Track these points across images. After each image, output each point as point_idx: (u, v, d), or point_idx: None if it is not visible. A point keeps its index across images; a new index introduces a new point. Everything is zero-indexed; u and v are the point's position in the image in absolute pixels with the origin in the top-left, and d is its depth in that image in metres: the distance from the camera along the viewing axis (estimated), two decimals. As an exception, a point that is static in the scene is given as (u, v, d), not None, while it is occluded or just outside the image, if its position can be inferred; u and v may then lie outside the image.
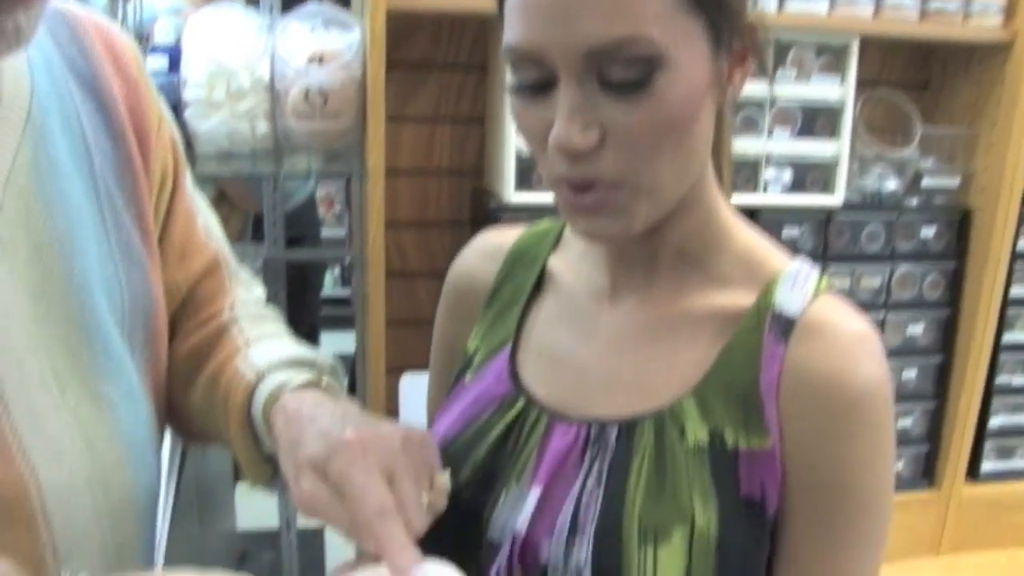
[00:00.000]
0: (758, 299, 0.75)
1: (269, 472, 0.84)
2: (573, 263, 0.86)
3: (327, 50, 1.59)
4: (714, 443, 0.73)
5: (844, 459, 0.70)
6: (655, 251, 0.78)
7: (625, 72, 0.66)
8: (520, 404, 0.81)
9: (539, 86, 0.69)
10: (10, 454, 0.65)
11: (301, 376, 0.81)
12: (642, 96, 0.66)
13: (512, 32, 0.68)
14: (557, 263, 0.87)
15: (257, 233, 2.31)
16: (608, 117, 0.67)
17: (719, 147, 0.81)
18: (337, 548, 3.13)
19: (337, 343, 2.77)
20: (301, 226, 2.51)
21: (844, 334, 0.71)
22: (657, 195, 0.70)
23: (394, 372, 1.75)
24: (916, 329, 1.95)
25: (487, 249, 0.91)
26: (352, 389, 2.12)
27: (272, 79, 1.59)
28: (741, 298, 0.76)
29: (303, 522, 2.32)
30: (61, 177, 0.73)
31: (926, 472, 2.03)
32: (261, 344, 0.86)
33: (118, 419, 0.74)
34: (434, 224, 1.89)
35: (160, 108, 0.85)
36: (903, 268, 1.90)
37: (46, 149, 0.72)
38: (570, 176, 0.69)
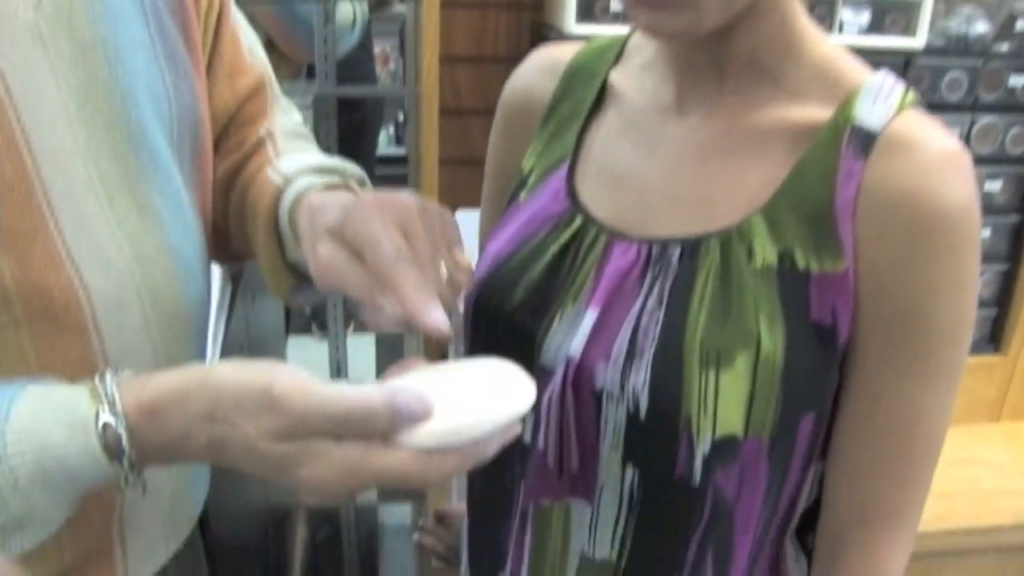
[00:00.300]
0: (836, 112, 0.69)
1: (291, 280, 0.82)
2: (636, 76, 0.80)
3: None
4: (783, 264, 0.68)
5: (924, 286, 0.66)
6: (724, 59, 0.72)
7: None
8: (578, 222, 0.77)
9: None
10: (59, 260, 0.63)
11: (328, 179, 0.79)
12: None
13: None
14: (619, 77, 0.81)
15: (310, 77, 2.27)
16: None
17: None
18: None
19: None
20: (355, 79, 2.46)
21: (930, 151, 0.65)
22: None
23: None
24: (994, 186, 1.85)
25: (544, 64, 0.87)
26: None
27: None
28: (817, 112, 0.70)
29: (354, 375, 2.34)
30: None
31: (992, 336, 1.96)
32: (291, 155, 0.84)
33: (166, 232, 0.72)
34: (490, 60, 1.82)
35: None
36: (985, 119, 1.80)
37: None
38: None
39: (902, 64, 1.72)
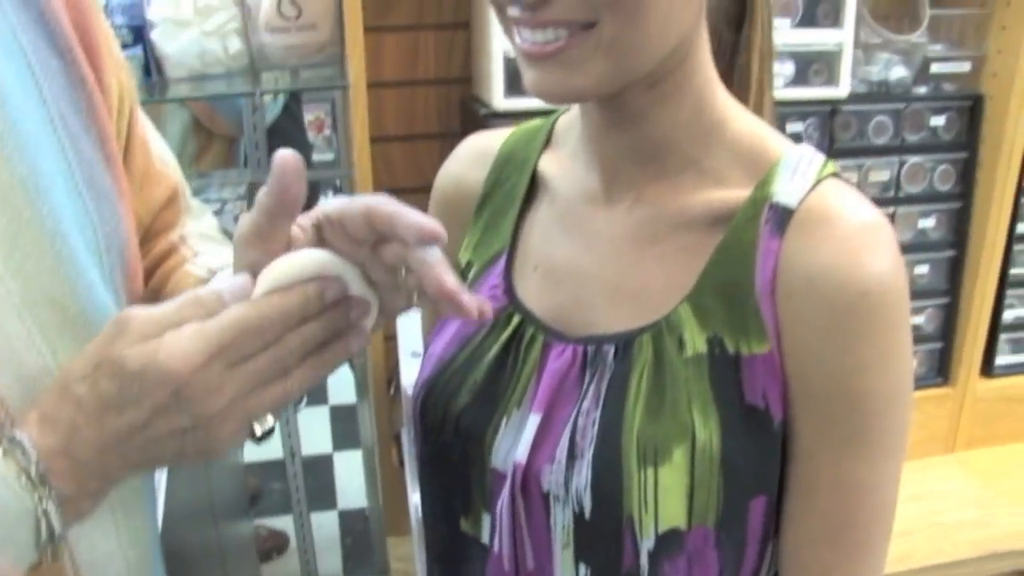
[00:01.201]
0: (755, 190, 0.68)
1: None
2: (565, 164, 0.80)
3: (297, -44, 1.51)
4: (713, 350, 0.67)
5: (851, 363, 0.64)
6: (644, 144, 0.71)
7: None
8: (516, 321, 0.76)
9: None
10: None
11: None
12: None
13: None
14: (548, 164, 0.81)
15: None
16: None
17: (752, 52, 0.76)
18: (346, 471, 3.14)
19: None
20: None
21: (847, 223, 0.64)
22: (620, 53, 0.62)
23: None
24: (928, 223, 1.88)
25: (474, 153, 0.86)
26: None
27: (242, -8, 1.51)
28: (738, 191, 0.69)
29: (308, 450, 2.30)
30: (11, 107, 0.64)
31: (940, 369, 1.99)
32: (209, 255, 0.83)
33: None
34: (422, 136, 1.82)
35: (105, 21, 0.78)
36: (913, 160, 1.83)
37: None
38: (520, 16, 0.63)
39: (829, 112, 1.75)
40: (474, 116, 1.67)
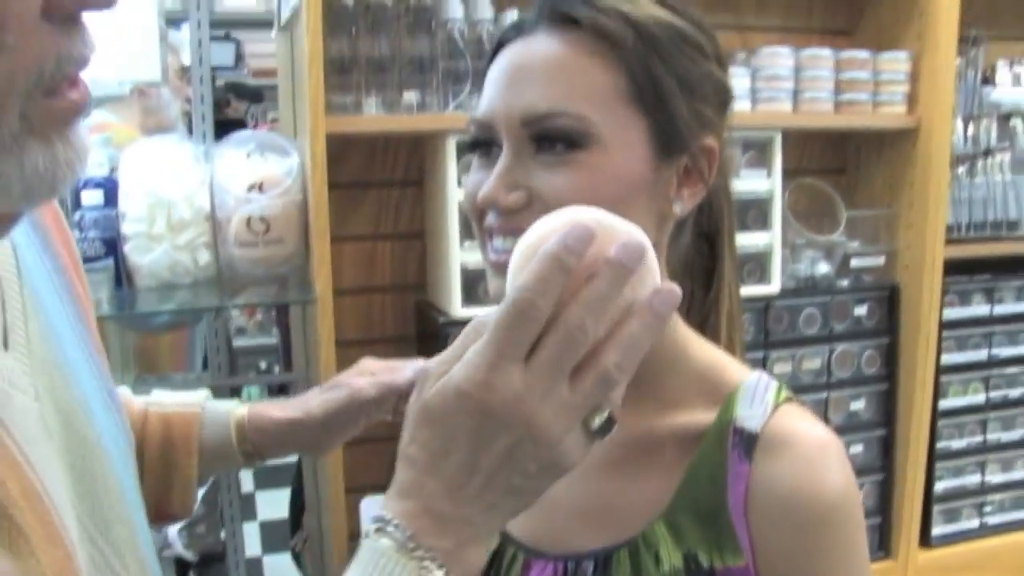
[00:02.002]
0: (719, 415, 0.76)
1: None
2: None
3: (267, 176, 1.59)
4: (689, 566, 0.73)
5: (822, 567, 0.72)
6: None
7: (556, 138, 0.71)
8: (494, 543, 0.80)
9: (486, 151, 0.75)
10: None
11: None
12: (570, 165, 0.71)
13: (478, 106, 0.76)
14: None
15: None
16: (537, 182, 0.71)
17: (720, 274, 0.85)
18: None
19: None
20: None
21: (806, 446, 0.73)
22: None
23: (353, 492, 1.71)
24: (858, 405, 2.00)
25: None
26: (300, 508, 2.07)
27: (213, 208, 1.57)
28: (701, 415, 0.77)
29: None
30: (59, 335, 0.70)
31: (881, 543, 2.06)
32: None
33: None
34: (379, 340, 1.87)
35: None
36: (841, 347, 1.96)
37: (43, 307, 0.69)
38: (494, 225, 0.72)
39: (763, 308, 1.87)
40: (432, 323, 1.74)
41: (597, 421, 0.58)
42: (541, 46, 0.74)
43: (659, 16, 0.74)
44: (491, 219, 0.73)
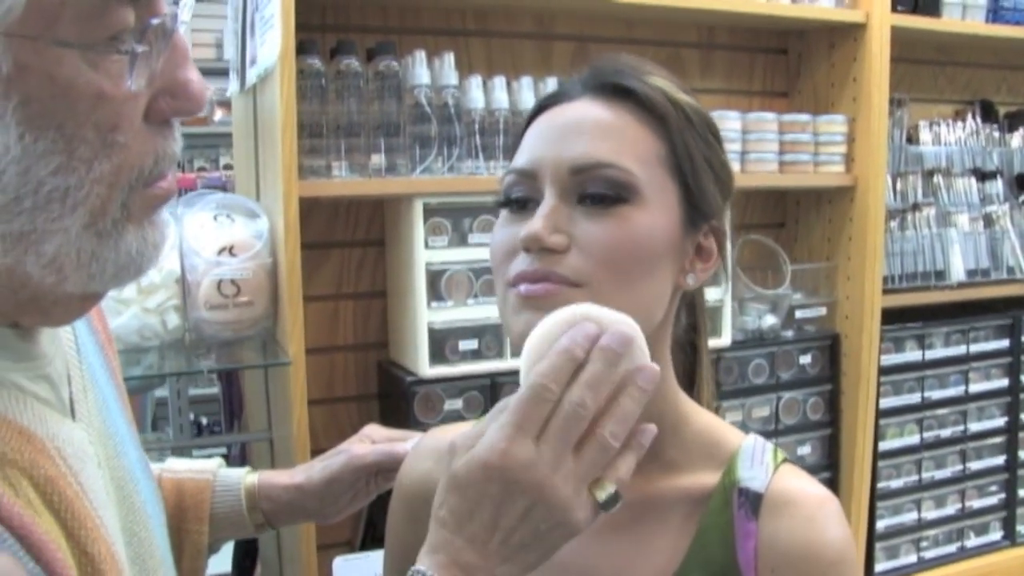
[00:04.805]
0: (722, 477, 0.80)
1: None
2: None
3: (237, 240, 1.59)
4: None
5: None
6: None
7: (601, 189, 0.75)
8: None
9: (523, 203, 0.78)
10: None
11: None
12: (613, 216, 0.74)
13: (517, 159, 0.80)
14: None
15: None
16: (578, 229, 0.74)
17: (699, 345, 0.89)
18: None
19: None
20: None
21: (809, 505, 0.78)
22: None
23: (324, 549, 1.70)
24: (805, 449, 2.08)
25: (439, 451, 0.91)
26: (248, 566, 2.03)
27: (183, 272, 1.56)
28: (705, 477, 0.81)
29: None
30: (110, 410, 0.74)
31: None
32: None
33: None
34: (341, 399, 1.87)
35: None
36: (787, 395, 2.04)
37: (96, 381, 0.73)
38: (528, 269, 0.74)
39: (715, 360, 1.94)
40: (398, 383, 1.75)
41: (603, 495, 0.68)
42: (590, 109, 0.79)
43: (691, 101, 0.82)
44: (520, 264, 0.75)
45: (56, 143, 0.53)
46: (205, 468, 1.05)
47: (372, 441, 1.09)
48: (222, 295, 1.57)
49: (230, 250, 1.57)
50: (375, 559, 1.58)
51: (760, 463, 0.81)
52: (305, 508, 1.06)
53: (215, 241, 1.57)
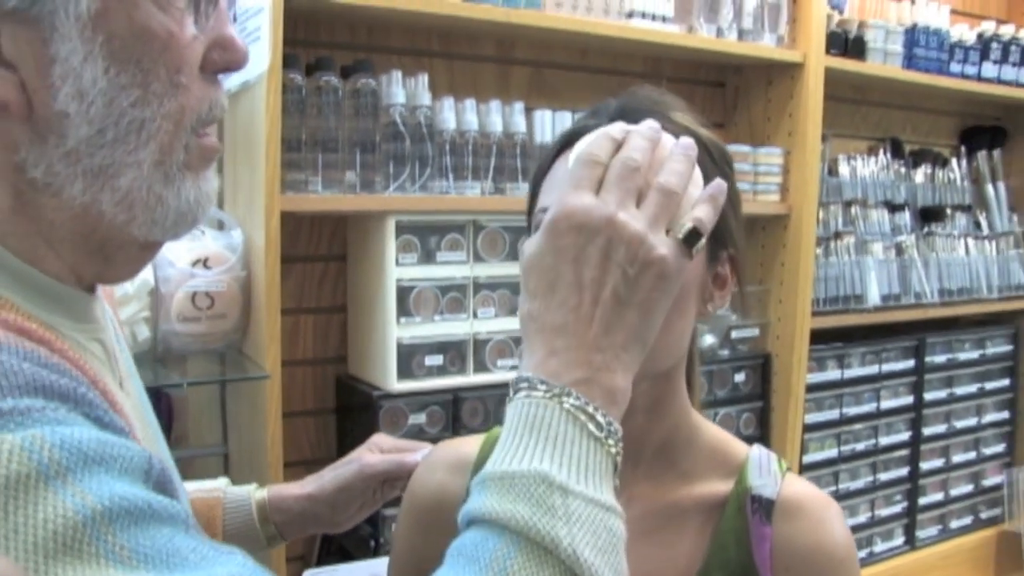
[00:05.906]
0: (736, 485, 0.87)
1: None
2: None
3: (212, 253, 1.57)
4: None
5: None
6: (639, 449, 0.86)
7: None
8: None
9: None
10: None
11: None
12: None
13: (548, 195, 0.82)
14: None
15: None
16: None
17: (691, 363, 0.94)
18: None
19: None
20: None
21: (816, 509, 0.86)
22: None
23: (293, 562, 1.70)
24: (738, 463, 2.19)
25: (452, 462, 0.94)
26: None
27: (156, 283, 1.53)
28: (719, 486, 0.88)
29: None
30: (144, 399, 0.78)
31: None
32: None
33: None
34: (299, 414, 1.86)
35: None
36: (723, 411, 2.15)
37: (131, 371, 0.77)
38: None
39: (659, 377, 2.02)
40: (363, 397, 1.76)
41: (683, 231, 0.66)
42: None
43: (711, 135, 0.85)
44: None
45: (135, 76, 0.59)
46: (213, 486, 1.05)
47: (381, 450, 1.11)
48: (196, 307, 1.55)
49: (204, 262, 1.56)
50: (344, 572, 1.58)
51: (768, 472, 0.87)
52: (317, 517, 1.07)
53: (188, 252, 1.56)
